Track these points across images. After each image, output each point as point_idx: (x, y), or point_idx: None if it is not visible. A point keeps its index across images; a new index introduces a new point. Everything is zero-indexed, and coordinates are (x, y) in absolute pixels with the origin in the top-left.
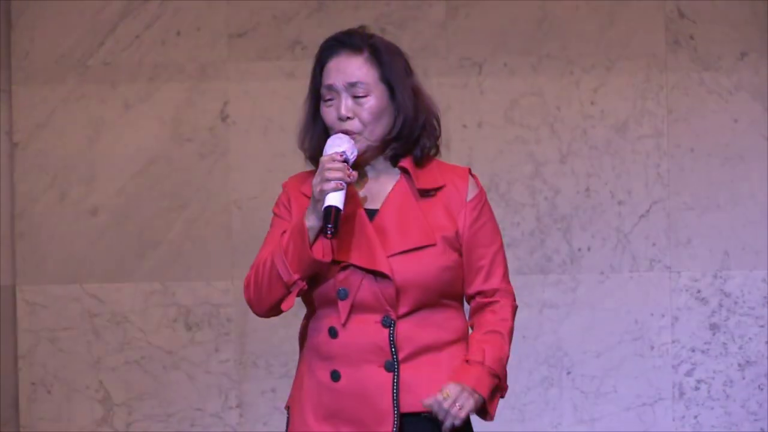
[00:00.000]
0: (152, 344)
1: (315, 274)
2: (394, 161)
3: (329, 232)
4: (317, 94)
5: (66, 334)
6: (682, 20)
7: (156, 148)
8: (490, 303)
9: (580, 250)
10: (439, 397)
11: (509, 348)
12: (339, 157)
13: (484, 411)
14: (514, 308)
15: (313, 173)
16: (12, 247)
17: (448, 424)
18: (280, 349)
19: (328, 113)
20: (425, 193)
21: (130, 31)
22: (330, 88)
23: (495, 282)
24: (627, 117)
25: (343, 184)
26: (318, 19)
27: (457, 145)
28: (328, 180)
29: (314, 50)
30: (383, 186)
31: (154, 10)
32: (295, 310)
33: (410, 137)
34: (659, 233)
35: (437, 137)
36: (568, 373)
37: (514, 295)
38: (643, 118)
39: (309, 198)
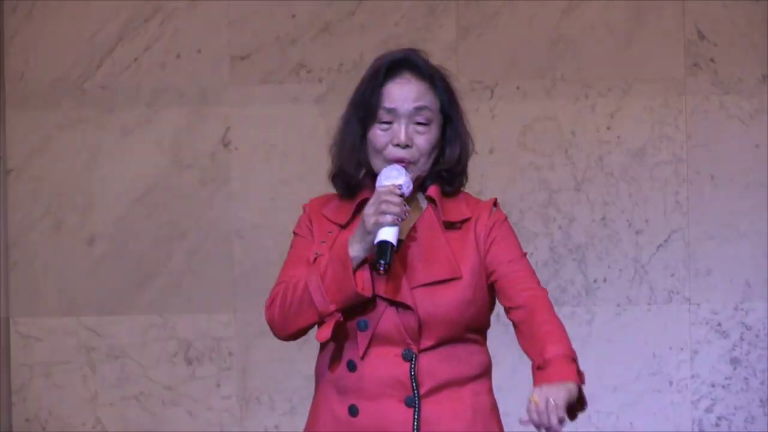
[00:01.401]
0: (151, 379)
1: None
2: (422, 189)
3: (382, 269)
4: (368, 112)
5: (61, 369)
6: (702, 42)
7: (155, 176)
8: (526, 308)
9: (595, 281)
10: (531, 406)
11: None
12: (398, 191)
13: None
14: (552, 306)
15: (335, 197)
16: (5, 277)
17: (554, 422)
18: (284, 384)
19: (382, 137)
20: (451, 225)
21: (129, 54)
22: (391, 111)
23: (530, 284)
24: (644, 142)
25: (399, 219)
26: (324, 41)
27: (467, 171)
28: (385, 213)
29: (319, 73)
30: (409, 215)
31: (153, 31)
32: (299, 344)
33: (461, 172)
34: (678, 263)
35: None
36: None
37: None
38: (662, 143)
39: (330, 221)
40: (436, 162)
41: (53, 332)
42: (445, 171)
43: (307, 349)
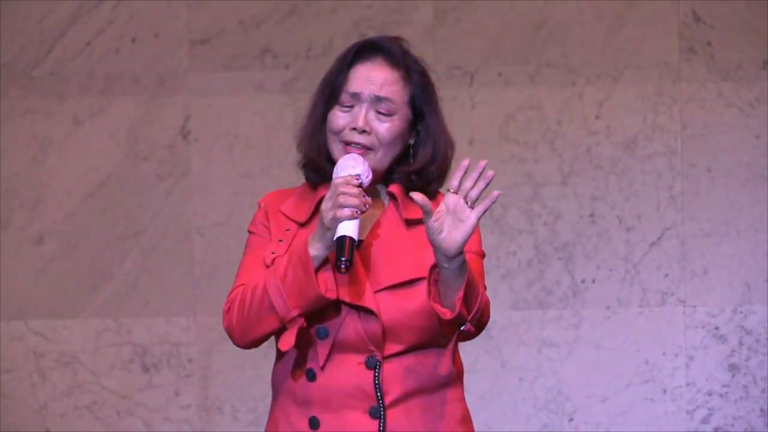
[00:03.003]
0: (105, 388)
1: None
2: (386, 183)
3: (343, 266)
4: (332, 93)
5: (8, 377)
6: (698, 25)
7: (109, 169)
8: None
9: (583, 282)
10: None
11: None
12: (355, 181)
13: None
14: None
15: (294, 192)
16: None
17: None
18: (247, 392)
19: (340, 118)
20: (414, 222)
21: (80, 38)
22: (353, 95)
23: None
24: (636, 133)
25: (359, 212)
26: (290, 25)
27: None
28: (342, 206)
29: (285, 59)
30: (370, 213)
31: (107, 14)
32: (264, 350)
33: (437, 176)
34: (672, 263)
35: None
36: (571, 419)
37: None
38: (654, 134)
39: (289, 218)
40: (403, 161)
41: None
42: (415, 173)
43: (273, 355)
